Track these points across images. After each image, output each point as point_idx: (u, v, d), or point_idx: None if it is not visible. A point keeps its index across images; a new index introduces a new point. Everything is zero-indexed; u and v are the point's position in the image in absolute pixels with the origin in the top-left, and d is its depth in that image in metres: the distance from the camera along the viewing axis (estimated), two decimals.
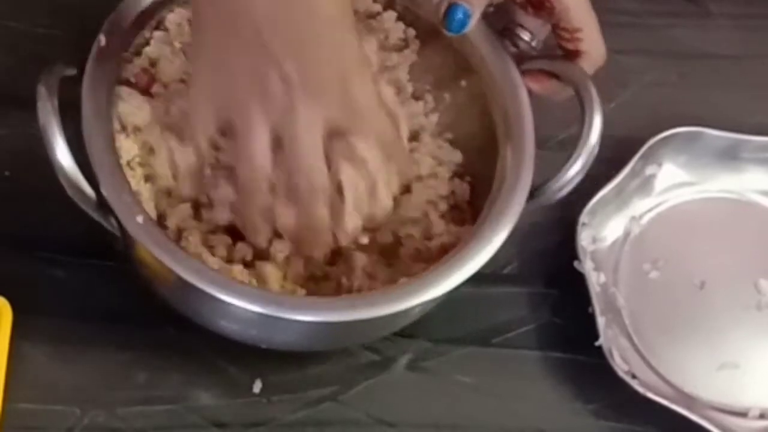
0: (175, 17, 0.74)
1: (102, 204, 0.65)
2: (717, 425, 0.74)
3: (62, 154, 0.64)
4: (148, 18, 0.72)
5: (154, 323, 0.74)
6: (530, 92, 0.72)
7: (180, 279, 0.64)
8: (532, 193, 0.70)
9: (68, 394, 0.72)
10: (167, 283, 0.68)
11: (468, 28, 0.70)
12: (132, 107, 0.71)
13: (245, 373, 0.74)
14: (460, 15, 0.69)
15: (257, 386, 0.74)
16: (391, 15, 0.77)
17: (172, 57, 0.74)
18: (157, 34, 0.74)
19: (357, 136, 0.67)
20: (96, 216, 0.66)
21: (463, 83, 0.76)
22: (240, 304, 0.64)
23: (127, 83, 0.72)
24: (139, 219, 0.65)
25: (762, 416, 0.77)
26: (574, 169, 0.69)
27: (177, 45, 0.74)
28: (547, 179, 0.70)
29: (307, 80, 0.64)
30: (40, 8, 0.72)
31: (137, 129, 0.71)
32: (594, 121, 0.69)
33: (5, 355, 0.70)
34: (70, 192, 0.65)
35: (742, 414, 0.77)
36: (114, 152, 0.67)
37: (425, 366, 0.76)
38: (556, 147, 0.84)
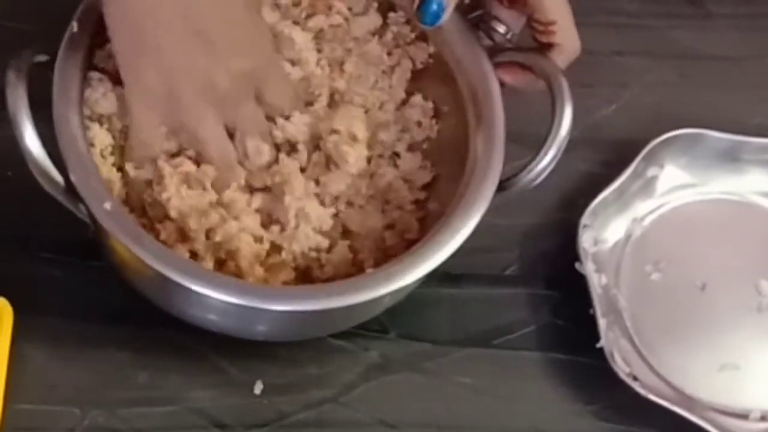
0: None
1: (71, 191, 0.65)
2: (718, 427, 0.74)
3: (31, 140, 0.64)
4: None
5: (154, 323, 0.74)
6: (503, 84, 0.72)
7: (148, 266, 0.64)
8: (503, 185, 0.70)
9: (68, 394, 0.72)
10: (137, 271, 0.68)
11: (442, 20, 0.70)
12: (97, 94, 0.71)
13: (246, 373, 0.74)
14: (434, 7, 0.69)
15: (258, 387, 0.74)
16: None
17: None
18: None
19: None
20: (65, 202, 0.66)
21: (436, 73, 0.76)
22: (207, 292, 0.64)
23: (99, 69, 0.72)
24: (107, 205, 0.65)
25: (763, 418, 0.77)
26: (545, 161, 0.70)
27: None
28: (517, 171, 0.70)
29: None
30: (41, 8, 0.72)
31: (102, 117, 0.71)
32: (564, 114, 0.69)
33: (5, 355, 0.70)
34: (38, 178, 0.65)
35: (743, 416, 0.77)
36: (83, 139, 0.67)
37: (426, 367, 0.76)
38: None
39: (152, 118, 0.69)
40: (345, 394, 0.75)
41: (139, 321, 0.74)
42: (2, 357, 0.70)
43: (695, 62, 0.90)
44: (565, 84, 0.70)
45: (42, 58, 0.67)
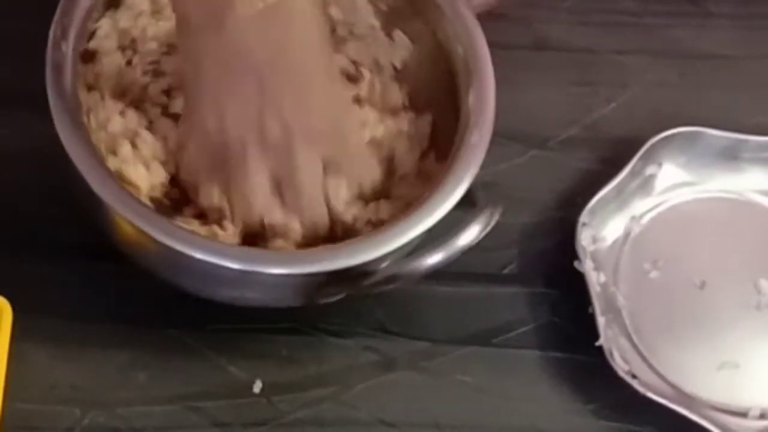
0: None
1: None
2: (717, 425, 0.74)
3: None
4: None
5: (153, 323, 0.74)
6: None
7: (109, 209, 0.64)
8: None
9: (68, 394, 0.72)
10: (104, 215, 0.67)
11: None
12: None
13: (245, 372, 0.74)
14: None
15: (257, 386, 0.74)
16: None
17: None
18: None
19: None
20: None
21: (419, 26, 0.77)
22: (204, 257, 0.64)
23: None
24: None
25: (762, 416, 0.77)
26: None
27: None
28: None
29: (304, 125, 0.67)
30: (44, 7, 0.72)
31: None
32: None
33: (5, 355, 0.70)
34: None
35: (742, 414, 0.77)
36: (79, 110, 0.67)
37: (425, 366, 0.76)
38: (557, 147, 0.84)
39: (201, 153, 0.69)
40: (344, 392, 0.75)
41: (139, 321, 0.74)
42: (2, 357, 0.70)
43: (695, 61, 0.90)
44: None
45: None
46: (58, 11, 0.68)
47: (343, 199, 0.70)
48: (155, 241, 0.64)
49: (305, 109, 0.67)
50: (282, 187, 0.68)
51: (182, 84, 0.71)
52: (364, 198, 0.71)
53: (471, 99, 0.71)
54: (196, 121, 0.68)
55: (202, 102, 0.67)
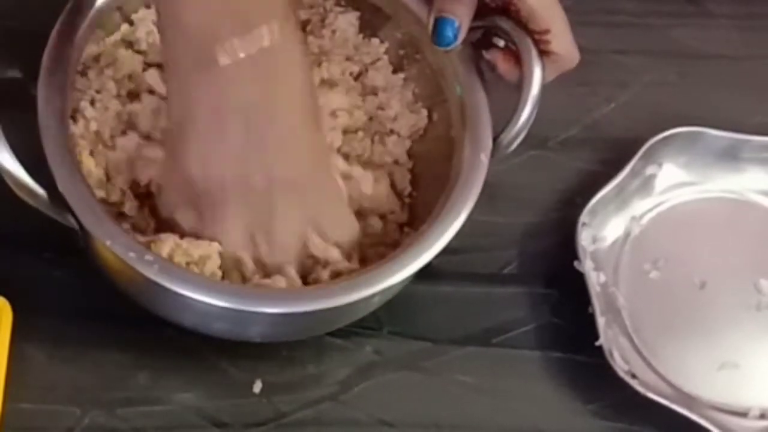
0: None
1: (56, 201, 0.66)
2: (717, 425, 0.74)
3: (6, 161, 0.65)
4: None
5: (154, 323, 0.74)
6: (492, 70, 0.73)
7: (143, 276, 0.64)
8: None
9: (68, 394, 0.72)
10: (129, 279, 0.68)
11: (457, 44, 0.71)
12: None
13: (245, 373, 0.74)
14: (449, 33, 0.70)
15: (257, 386, 0.74)
16: None
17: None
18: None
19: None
20: (49, 212, 0.67)
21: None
22: (203, 298, 0.65)
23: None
24: (98, 213, 0.65)
25: (762, 416, 0.77)
26: (522, 120, 0.70)
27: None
28: (495, 135, 0.71)
29: (285, 174, 0.67)
30: (43, 8, 0.72)
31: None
32: (534, 73, 0.70)
33: (5, 355, 0.70)
34: (19, 193, 0.66)
35: (743, 414, 0.77)
36: (71, 149, 0.67)
37: (425, 366, 0.76)
38: (557, 147, 0.84)
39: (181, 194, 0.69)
40: (344, 392, 0.75)
41: (138, 321, 0.74)
42: (2, 357, 0.70)
43: (695, 61, 0.90)
44: (532, 45, 0.70)
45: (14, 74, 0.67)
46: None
47: (321, 249, 0.70)
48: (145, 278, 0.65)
49: (287, 158, 0.67)
50: (256, 238, 0.69)
51: (167, 126, 0.71)
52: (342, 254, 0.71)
53: (466, 149, 0.71)
54: (179, 167, 0.68)
55: (188, 150, 0.67)
